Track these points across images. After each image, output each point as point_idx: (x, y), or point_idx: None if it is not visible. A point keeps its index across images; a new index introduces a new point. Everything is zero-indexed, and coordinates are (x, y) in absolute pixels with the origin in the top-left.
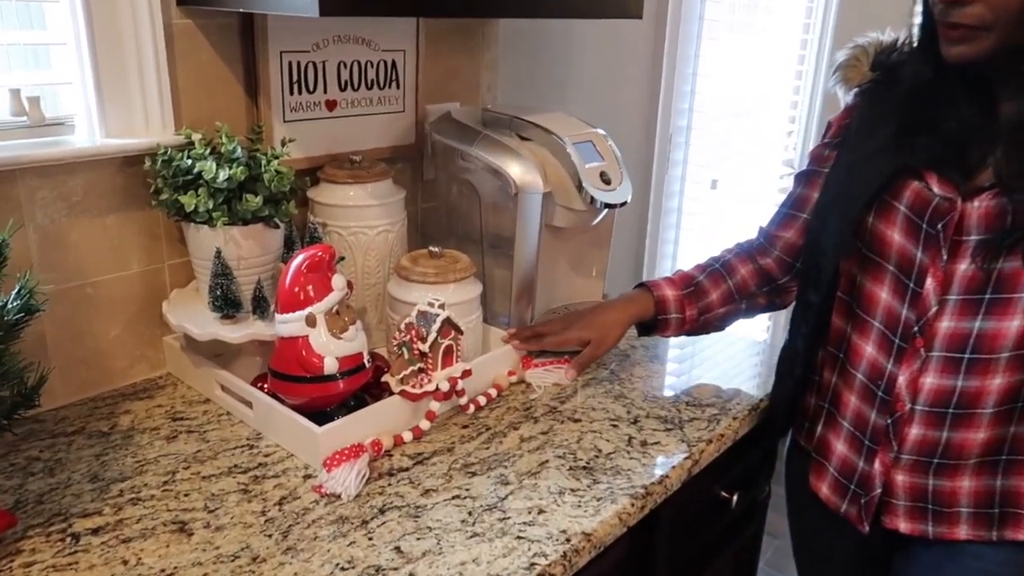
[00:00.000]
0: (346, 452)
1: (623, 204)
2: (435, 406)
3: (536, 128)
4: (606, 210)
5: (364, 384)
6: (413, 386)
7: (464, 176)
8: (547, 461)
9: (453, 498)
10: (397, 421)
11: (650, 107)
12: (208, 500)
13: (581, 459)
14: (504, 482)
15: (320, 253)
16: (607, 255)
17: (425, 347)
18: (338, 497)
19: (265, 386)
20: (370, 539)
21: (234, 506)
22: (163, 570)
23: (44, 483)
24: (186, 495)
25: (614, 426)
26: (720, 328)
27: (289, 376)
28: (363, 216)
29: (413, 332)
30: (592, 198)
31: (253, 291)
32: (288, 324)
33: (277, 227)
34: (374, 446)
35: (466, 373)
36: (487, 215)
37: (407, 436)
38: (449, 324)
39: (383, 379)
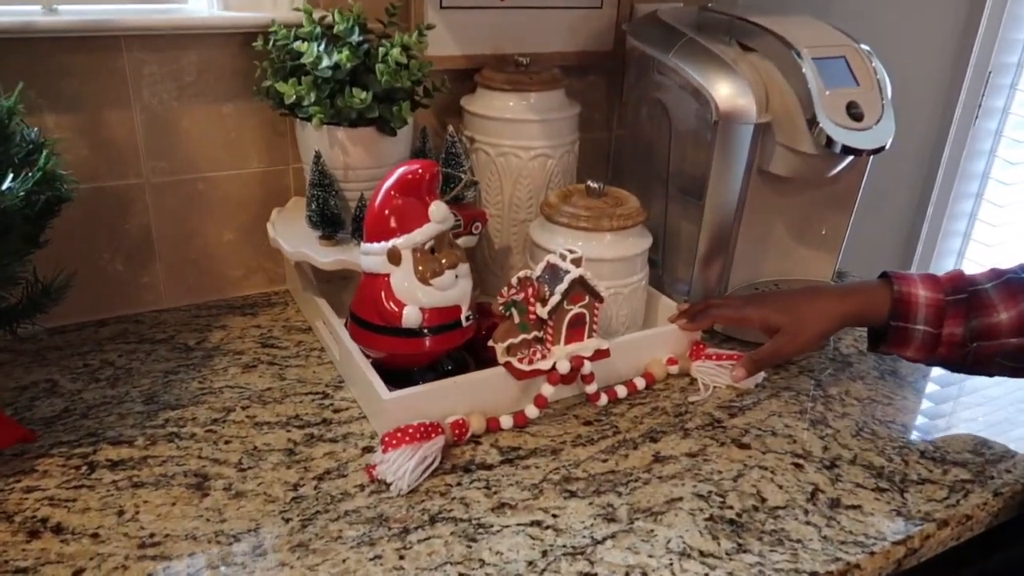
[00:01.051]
0: (413, 431)
1: (877, 151)
2: (548, 391)
3: (765, 34)
4: (850, 158)
5: (464, 344)
6: (521, 360)
7: (656, 95)
8: (680, 499)
9: (532, 524)
10: (498, 399)
11: (964, 30)
12: (246, 455)
13: (731, 507)
14: (609, 517)
15: (419, 170)
16: (847, 224)
17: (544, 312)
18: (388, 487)
19: None
20: (401, 558)
21: (269, 470)
22: (152, 535)
23: (101, 394)
24: (227, 443)
25: (797, 466)
26: (1010, 371)
27: (364, 322)
28: (517, 133)
29: (531, 290)
30: (828, 138)
31: (355, 208)
32: (370, 257)
33: (392, 133)
34: (456, 428)
35: (600, 354)
36: (678, 148)
37: (506, 421)
38: (582, 287)
39: (490, 342)
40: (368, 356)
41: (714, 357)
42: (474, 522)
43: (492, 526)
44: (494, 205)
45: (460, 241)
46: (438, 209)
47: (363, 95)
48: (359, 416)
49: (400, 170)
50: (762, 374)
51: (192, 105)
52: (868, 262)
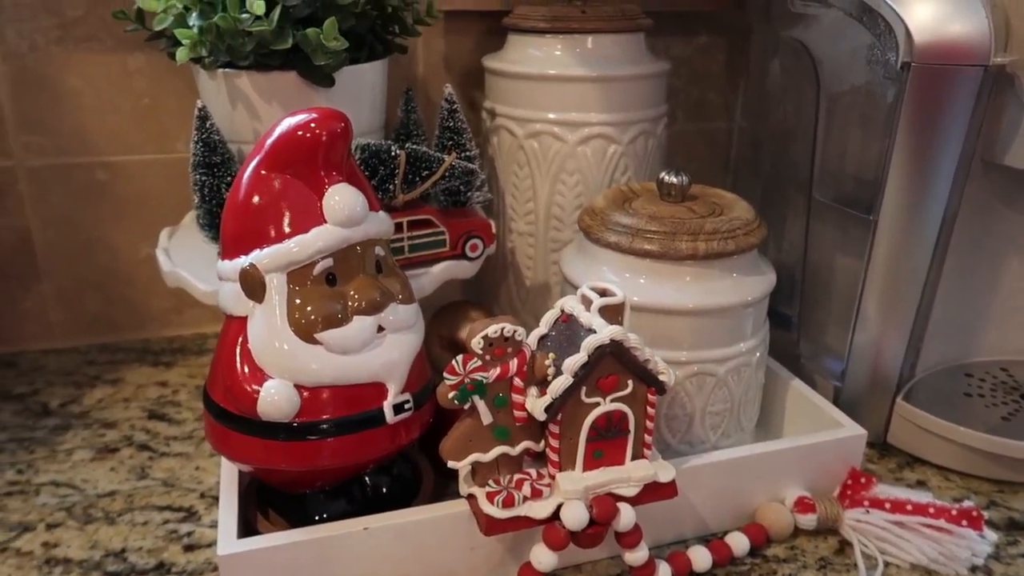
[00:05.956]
0: None
1: None
2: (544, 560)
3: None
4: None
5: (404, 449)
6: (494, 496)
7: (795, 35)
8: None
9: None
10: (453, 562)
11: None
12: None
13: None
14: None
15: (312, 125)
16: None
17: (538, 407)
18: None
19: None
20: None
21: None
22: None
23: None
24: None
25: None
26: None
27: (217, 410)
28: (561, 98)
29: (517, 360)
30: None
31: None
32: (224, 285)
33: (325, 81)
34: None
35: (655, 492)
36: (831, 124)
37: None
38: (619, 361)
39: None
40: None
41: (889, 506)
42: None
43: None
44: (524, 217)
45: (442, 268)
46: (342, 199)
47: (258, 5)
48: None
49: (279, 127)
50: (984, 543)
51: (82, 54)
52: None
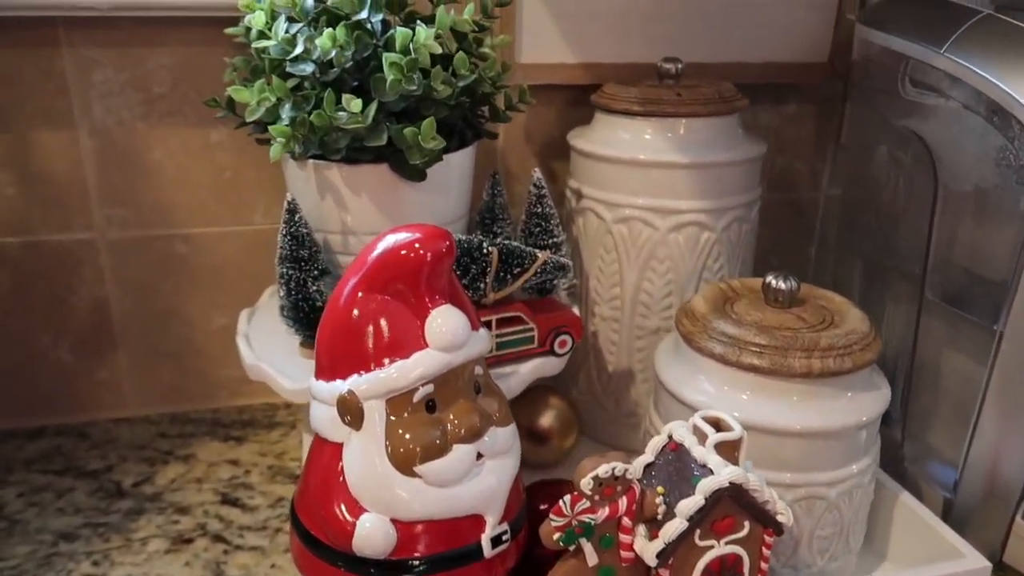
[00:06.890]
0: None
1: None
2: None
3: None
4: None
5: None
6: None
7: (909, 125)
8: None
9: None
10: None
11: None
12: None
13: None
14: None
15: (416, 245)
16: None
17: (650, 552)
18: None
19: None
20: None
21: None
22: None
23: None
24: None
25: None
26: None
27: (305, 533)
28: (652, 184)
29: (626, 499)
30: None
31: None
32: (318, 407)
33: (416, 176)
34: None
35: None
36: (949, 222)
37: None
38: (736, 503)
39: None
40: None
41: None
42: None
43: None
44: (608, 302)
45: (531, 368)
46: (445, 323)
47: (355, 103)
48: None
49: (380, 245)
50: None
51: (165, 128)
52: None
